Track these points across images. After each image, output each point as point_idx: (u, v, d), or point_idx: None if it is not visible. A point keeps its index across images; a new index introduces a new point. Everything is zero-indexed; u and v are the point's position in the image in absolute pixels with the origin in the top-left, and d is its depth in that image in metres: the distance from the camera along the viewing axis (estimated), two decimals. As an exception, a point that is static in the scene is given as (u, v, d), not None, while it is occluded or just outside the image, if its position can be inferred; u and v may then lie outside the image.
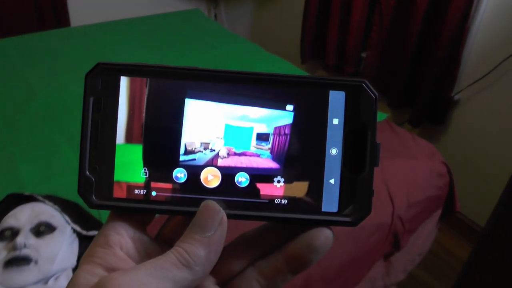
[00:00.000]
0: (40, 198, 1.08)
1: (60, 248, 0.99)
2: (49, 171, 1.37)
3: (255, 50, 2.41)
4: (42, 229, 1.00)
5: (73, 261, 1.01)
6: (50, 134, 1.55)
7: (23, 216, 1.01)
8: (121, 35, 2.47)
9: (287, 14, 3.06)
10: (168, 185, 0.33)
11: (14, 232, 0.98)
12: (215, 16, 3.54)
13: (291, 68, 2.22)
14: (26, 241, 0.95)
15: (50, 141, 1.51)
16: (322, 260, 1.20)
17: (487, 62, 1.96)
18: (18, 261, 0.92)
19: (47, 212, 1.04)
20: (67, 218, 1.05)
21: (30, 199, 1.08)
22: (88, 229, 1.07)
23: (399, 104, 2.36)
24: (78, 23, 2.73)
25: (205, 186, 0.33)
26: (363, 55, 2.52)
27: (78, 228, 1.06)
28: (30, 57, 2.14)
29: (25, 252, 0.94)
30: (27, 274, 0.92)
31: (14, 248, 0.94)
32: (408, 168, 1.52)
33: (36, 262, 0.94)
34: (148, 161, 0.33)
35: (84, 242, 1.07)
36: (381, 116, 1.78)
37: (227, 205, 0.32)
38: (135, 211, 0.32)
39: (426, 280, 2.00)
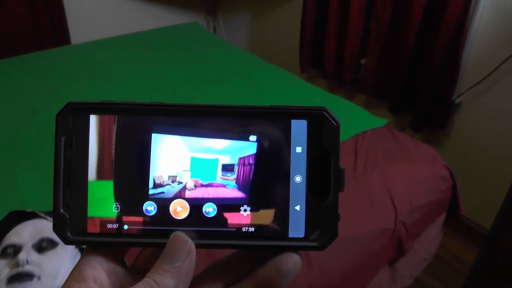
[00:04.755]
0: (42, 214, 1.08)
1: (63, 263, 0.99)
2: (51, 189, 1.38)
3: (254, 60, 2.42)
4: (44, 245, 1.00)
5: (75, 276, 1.01)
6: (51, 152, 1.56)
7: (25, 233, 1.01)
8: (121, 51, 2.49)
9: (285, 24, 3.07)
10: (139, 219, 0.33)
11: (17, 249, 0.98)
12: (214, 28, 3.57)
13: (291, 78, 2.23)
14: (29, 257, 0.95)
15: (52, 159, 1.52)
16: (325, 268, 1.20)
17: (487, 64, 1.96)
18: (21, 277, 0.93)
19: (49, 228, 1.04)
20: (69, 233, 1.06)
21: (32, 216, 1.09)
22: (90, 244, 1.07)
23: (399, 109, 2.37)
24: (78, 40, 2.76)
25: (174, 218, 0.34)
26: (362, 61, 2.53)
27: (80, 243, 1.06)
28: (31, 76, 2.17)
29: (27, 268, 0.94)
30: (30, 291, 0.92)
31: (17, 264, 0.94)
32: (409, 172, 1.51)
33: (39, 278, 0.94)
34: (119, 196, 0.33)
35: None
36: (381, 121, 1.78)
37: (196, 235, 0.33)
38: (108, 245, 0.33)
39: (433, 285, 1.99)
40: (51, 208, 1.01)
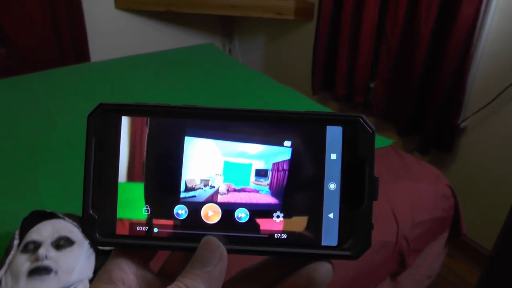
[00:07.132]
0: (61, 215, 1.16)
1: (78, 260, 1.06)
2: (68, 193, 1.45)
3: (267, 82, 2.49)
4: (62, 243, 1.07)
5: (89, 273, 1.08)
6: (69, 159, 1.64)
7: (45, 231, 1.08)
8: (139, 69, 2.58)
9: (298, 48, 3.16)
10: (170, 222, 0.33)
11: (37, 245, 1.05)
12: (230, 50, 3.67)
13: (302, 99, 2.29)
14: (47, 253, 1.02)
15: (69, 166, 1.60)
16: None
17: (491, 89, 2.01)
18: (40, 271, 1.00)
19: (67, 227, 1.11)
20: (85, 233, 1.12)
21: (51, 216, 1.16)
22: (104, 244, 1.14)
23: (407, 132, 2.42)
24: (98, 58, 2.87)
25: (205, 222, 0.33)
26: (372, 85, 2.59)
27: (95, 243, 1.13)
28: (52, 90, 2.27)
29: (46, 263, 1.01)
30: (47, 283, 0.99)
31: (37, 259, 1.01)
32: (412, 190, 1.56)
33: (56, 272, 1.01)
34: (149, 198, 0.33)
35: (100, 256, 1.13)
36: (387, 142, 1.83)
37: (227, 240, 0.32)
38: (137, 247, 0.33)
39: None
40: (67, 210, 1.08)
